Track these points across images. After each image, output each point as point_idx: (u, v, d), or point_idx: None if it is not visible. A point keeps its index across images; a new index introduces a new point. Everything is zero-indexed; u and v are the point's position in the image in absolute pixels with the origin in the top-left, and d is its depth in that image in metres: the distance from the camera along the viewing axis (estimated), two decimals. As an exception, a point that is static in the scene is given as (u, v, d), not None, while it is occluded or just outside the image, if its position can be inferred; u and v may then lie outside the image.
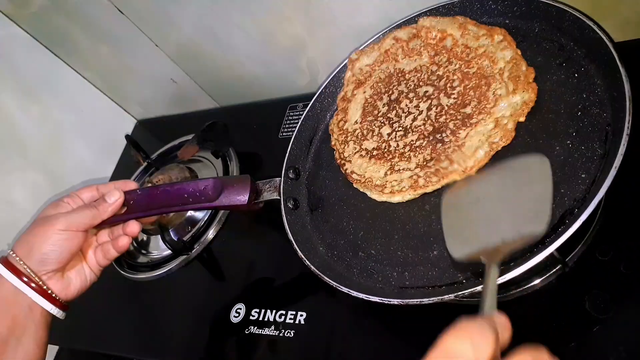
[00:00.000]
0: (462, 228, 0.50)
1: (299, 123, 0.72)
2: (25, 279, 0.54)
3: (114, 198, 0.59)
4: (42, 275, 0.56)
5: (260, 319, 0.70)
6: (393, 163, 0.60)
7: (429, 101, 0.61)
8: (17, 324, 0.54)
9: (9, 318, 0.54)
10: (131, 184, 0.64)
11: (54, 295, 0.56)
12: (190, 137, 0.98)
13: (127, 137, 1.05)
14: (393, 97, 0.65)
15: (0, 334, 0.53)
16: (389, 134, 0.63)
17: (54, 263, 0.56)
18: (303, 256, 0.58)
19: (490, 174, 0.53)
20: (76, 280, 0.59)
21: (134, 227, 0.61)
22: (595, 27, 0.51)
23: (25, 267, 0.55)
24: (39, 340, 0.56)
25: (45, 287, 0.56)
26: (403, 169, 0.59)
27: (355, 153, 0.64)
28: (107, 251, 0.61)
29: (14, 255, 0.55)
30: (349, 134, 0.66)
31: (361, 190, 0.61)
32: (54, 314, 0.57)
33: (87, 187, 0.62)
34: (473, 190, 0.53)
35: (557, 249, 0.42)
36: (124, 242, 0.61)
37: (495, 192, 0.50)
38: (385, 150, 0.62)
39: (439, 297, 0.45)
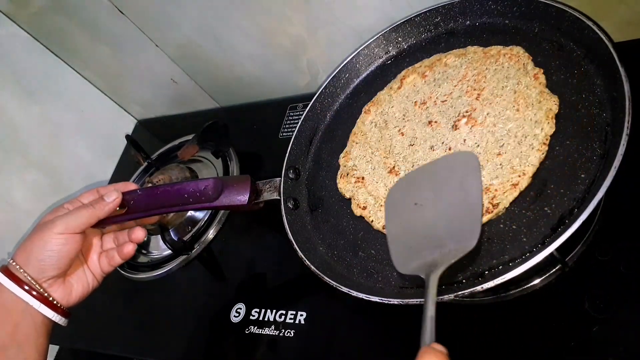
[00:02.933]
0: (404, 240, 0.52)
1: (299, 123, 0.72)
2: (26, 287, 0.54)
3: (112, 197, 0.59)
4: (42, 283, 0.55)
5: (261, 318, 0.70)
6: None
7: None
8: (18, 331, 0.53)
9: (10, 325, 0.53)
10: (131, 186, 0.64)
11: (55, 302, 0.56)
12: (190, 137, 0.98)
13: (127, 137, 1.05)
14: None
15: (2, 342, 0.53)
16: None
17: (53, 269, 0.55)
18: (303, 256, 0.58)
19: (425, 172, 0.56)
20: (78, 287, 0.59)
21: (139, 233, 0.61)
22: (594, 28, 0.51)
23: (26, 274, 0.54)
24: (40, 347, 0.55)
25: (46, 295, 0.55)
26: None
27: None
28: (111, 258, 0.61)
29: (14, 263, 0.55)
30: None
31: None
32: (56, 321, 0.56)
33: (88, 191, 0.62)
34: (411, 192, 0.54)
35: (557, 249, 0.42)
36: (129, 249, 0.61)
37: (431, 195, 0.52)
38: None
39: (438, 297, 0.45)
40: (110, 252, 0.62)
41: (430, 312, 0.41)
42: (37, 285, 0.54)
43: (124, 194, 0.63)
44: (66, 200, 0.60)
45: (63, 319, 0.57)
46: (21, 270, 0.54)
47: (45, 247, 0.54)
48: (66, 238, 0.55)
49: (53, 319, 0.56)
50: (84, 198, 0.61)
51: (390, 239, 0.53)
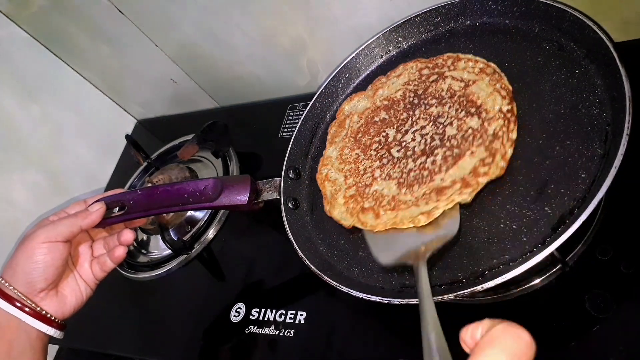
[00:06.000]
0: (383, 235, 0.55)
1: (299, 123, 0.72)
2: (17, 304, 0.53)
3: (95, 208, 0.59)
4: (34, 297, 0.54)
5: (261, 318, 0.70)
6: None
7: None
8: (13, 349, 0.53)
9: (4, 344, 0.53)
10: (119, 190, 0.65)
11: (49, 316, 0.55)
12: (190, 137, 0.98)
13: (127, 137, 1.05)
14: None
15: None
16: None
17: (41, 281, 0.54)
18: (303, 256, 0.58)
19: None
20: (71, 298, 0.58)
21: (128, 236, 0.61)
22: (595, 28, 0.51)
23: (16, 291, 0.53)
24: None
25: (39, 309, 0.54)
26: None
27: None
28: (103, 263, 0.61)
29: (2, 280, 0.54)
30: None
31: None
32: (52, 334, 0.56)
33: (76, 202, 0.62)
34: None
35: (557, 249, 0.42)
36: (120, 252, 0.60)
37: None
38: None
39: (439, 297, 0.45)
40: (101, 257, 0.61)
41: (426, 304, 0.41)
42: (28, 301, 0.54)
43: (123, 194, 0.63)
44: (68, 200, 0.61)
45: (58, 332, 0.57)
46: (10, 287, 0.53)
47: (29, 259, 0.54)
48: (48, 247, 0.54)
49: (48, 333, 0.55)
50: (70, 209, 0.61)
51: (367, 236, 0.56)
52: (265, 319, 0.69)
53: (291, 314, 0.68)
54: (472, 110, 0.57)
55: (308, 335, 0.65)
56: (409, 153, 0.60)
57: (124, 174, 1.10)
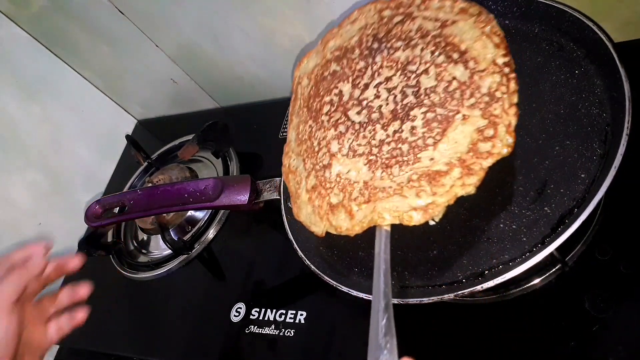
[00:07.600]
0: None
1: (299, 123, 0.72)
2: None
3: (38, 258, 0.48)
4: None
5: (261, 318, 0.70)
6: None
7: None
8: None
9: None
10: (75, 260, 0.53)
11: None
12: (190, 137, 0.98)
13: (127, 137, 1.05)
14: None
15: None
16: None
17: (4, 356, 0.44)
18: (303, 256, 0.58)
19: None
20: None
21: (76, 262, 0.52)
22: (594, 28, 0.51)
23: None
24: None
25: None
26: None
27: None
28: (61, 326, 0.51)
29: None
30: None
31: None
32: None
33: (18, 250, 0.50)
34: None
35: (557, 249, 0.42)
36: (83, 315, 0.52)
37: None
38: None
39: (438, 297, 0.45)
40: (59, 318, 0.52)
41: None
42: None
43: (123, 194, 0.63)
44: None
45: None
46: None
47: None
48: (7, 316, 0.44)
49: None
50: (12, 257, 0.49)
51: None
52: (265, 318, 0.70)
53: (291, 314, 0.68)
54: (455, 55, 0.44)
55: (308, 335, 0.65)
56: (374, 116, 0.47)
57: (124, 174, 1.10)
